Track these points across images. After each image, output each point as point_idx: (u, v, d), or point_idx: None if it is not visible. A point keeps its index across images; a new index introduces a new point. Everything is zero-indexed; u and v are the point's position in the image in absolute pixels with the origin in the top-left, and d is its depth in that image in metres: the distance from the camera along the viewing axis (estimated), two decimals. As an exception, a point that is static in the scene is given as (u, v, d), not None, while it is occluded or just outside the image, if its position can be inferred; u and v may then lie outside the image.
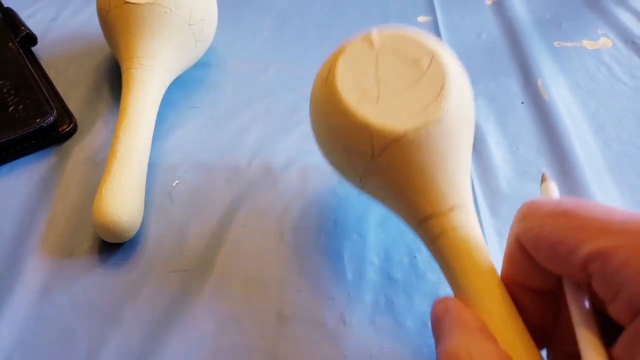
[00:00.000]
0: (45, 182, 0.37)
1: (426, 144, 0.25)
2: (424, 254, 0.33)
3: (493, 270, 0.24)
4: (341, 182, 0.37)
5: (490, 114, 0.42)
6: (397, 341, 0.29)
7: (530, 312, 0.23)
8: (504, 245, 0.24)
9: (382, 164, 0.26)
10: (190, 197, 0.36)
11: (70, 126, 0.40)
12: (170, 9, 0.39)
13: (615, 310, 0.18)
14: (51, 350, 0.29)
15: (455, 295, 0.25)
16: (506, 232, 0.25)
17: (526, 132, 0.40)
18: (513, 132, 0.40)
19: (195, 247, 0.33)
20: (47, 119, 0.38)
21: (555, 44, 0.48)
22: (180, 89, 0.43)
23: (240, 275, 0.32)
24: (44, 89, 0.40)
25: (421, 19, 0.52)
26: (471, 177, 0.36)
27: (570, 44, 0.48)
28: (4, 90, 0.40)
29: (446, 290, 0.27)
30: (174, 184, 0.37)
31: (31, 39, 0.46)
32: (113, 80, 0.44)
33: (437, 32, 0.50)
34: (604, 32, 0.49)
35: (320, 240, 0.34)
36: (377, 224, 0.34)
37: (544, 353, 0.23)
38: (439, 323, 0.23)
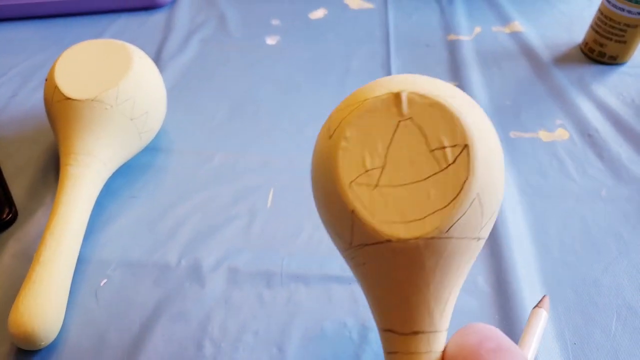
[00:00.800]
0: (-26, 276, 0.37)
1: (409, 259, 0.22)
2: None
3: None
4: (269, 286, 0.36)
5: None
6: None
7: None
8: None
9: (358, 258, 0.23)
10: (116, 299, 0.36)
11: (9, 216, 0.40)
12: (111, 105, 0.39)
13: None
14: None
15: None
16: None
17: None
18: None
19: (113, 356, 0.33)
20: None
21: (512, 134, 0.48)
22: (124, 176, 0.43)
23: (149, 392, 0.32)
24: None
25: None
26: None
27: (526, 135, 0.48)
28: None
29: None
30: (102, 283, 0.37)
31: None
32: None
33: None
34: (561, 122, 0.49)
35: (238, 353, 0.33)
36: (300, 338, 0.34)
37: None
38: None
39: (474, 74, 0.54)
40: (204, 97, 0.52)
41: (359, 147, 0.22)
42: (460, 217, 0.21)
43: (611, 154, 0.46)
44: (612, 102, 0.51)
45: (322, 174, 0.23)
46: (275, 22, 0.63)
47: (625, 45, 0.53)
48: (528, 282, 0.37)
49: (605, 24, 0.53)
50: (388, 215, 0.21)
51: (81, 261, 0.37)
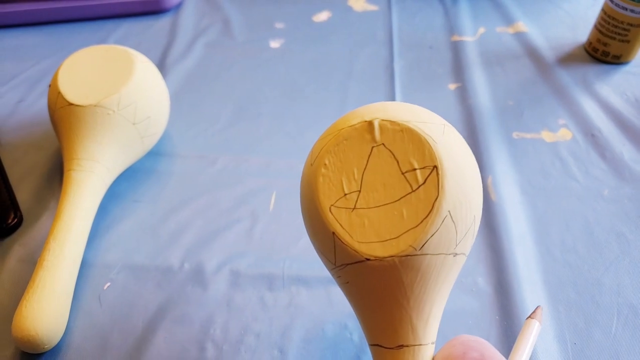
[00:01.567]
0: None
1: (387, 276, 0.23)
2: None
3: None
4: (270, 289, 0.37)
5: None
6: None
7: None
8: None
9: (342, 276, 0.24)
10: (119, 302, 0.36)
11: (15, 220, 0.41)
12: (113, 110, 0.39)
13: None
14: None
15: None
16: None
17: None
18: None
19: (116, 359, 0.34)
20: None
21: (514, 134, 0.48)
22: (128, 180, 0.44)
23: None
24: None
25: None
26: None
27: (528, 135, 0.48)
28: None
29: None
30: (105, 287, 0.37)
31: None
32: (65, 170, 0.45)
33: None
34: (564, 122, 0.49)
35: (240, 355, 0.34)
36: (301, 340, 0.34)
37: None
38: None
39: (478, 75, 0.54)
40: (208, 101, 0.52)
41: (337, 173, 0.24)
42: (433, 234, 0.22)
43: (614, 153, 0.46)
44: (616, 101, 0.51)
45: (306, 199, 0.25)
46: (279, 25, 0.63)
47: (629, 44, 0.53)
48: (529, 283, 0.37)
49: (609, 23, 0.52)
50: (366, 235, 0.23)
51: (85, 265, 0.38)
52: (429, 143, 0.23)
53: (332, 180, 0.24)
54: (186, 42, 0.60)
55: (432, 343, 0.25)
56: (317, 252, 0.26)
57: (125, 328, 0.35)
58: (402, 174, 0.23)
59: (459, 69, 0.55)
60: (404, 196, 0.23)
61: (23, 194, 0.43)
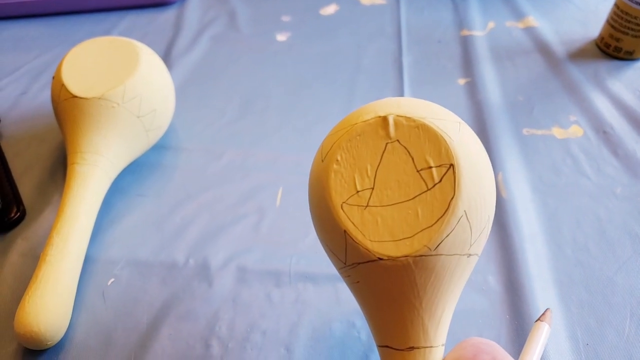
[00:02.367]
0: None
1: (400, 276, 0.22)
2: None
3: None
4: (277, 285, 0.36)
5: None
6: None
7: None
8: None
9: (353, 276, 0.24)
10: (123, 298, 0.36)
11: (17, 214, 0.40)
12: (118, 103, 0.39)
13: None
14: None
15: None
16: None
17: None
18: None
19: (120, 355, 0.33)
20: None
21: (524, 131, 0.47)
22: (133, 174, 0.43)
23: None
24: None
25: (390, 99, 0.51)
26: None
27: (539, 132, 0.47)
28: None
29: None
30: (109, 283, 0.36)
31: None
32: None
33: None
34: (576, 119, 0.48)
35: (246, 352, 0.33)
36: (308, 338, 0.34)
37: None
38: None
39: (487, 70, 0.54)
40: (214, 95, 0.51)
41: (349, 170, 0.23)
42: (449, 234, 0.22)
43: (626, 151, 0.45)
44: (628, 98, 0.50)
45: (316, 196, 0.24)
46: (285, 18, 0.62)
47: (641, 39, 0.52)
48: (540, 282, 0.36)
49: (622, 18, 0.52)
50: (378, 234, 0.22)
51: (88, 260, 0.37)
52: (445, 140, 0.23)
53: (344, 176, 0.23)
54: (192, 35, 0.59)
55: (442, 345, 0.25)
56: (326, 251, 0.25)
57: (129, 324, 0.34)
58: (418, 171, 0.23)
59: (468, 64, 0.55)
60: (419, 194, 0.22)
61: (26, 188, 0.42)
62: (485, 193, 0.23)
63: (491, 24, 0.60)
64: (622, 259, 0.37)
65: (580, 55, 0.55)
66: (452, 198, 0.22)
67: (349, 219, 0.23)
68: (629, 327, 0.34)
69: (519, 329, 0.34)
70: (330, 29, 0.60)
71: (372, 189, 0.23)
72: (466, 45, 0.57)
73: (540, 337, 0.29)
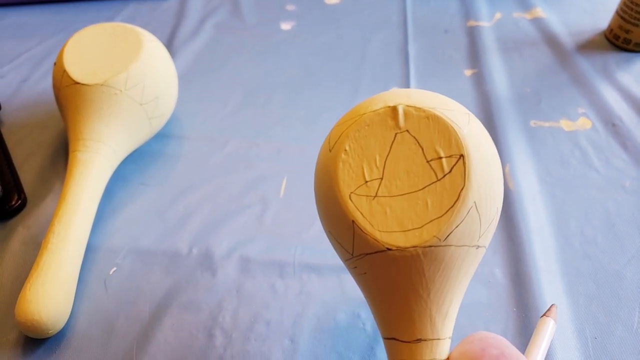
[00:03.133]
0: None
1: (409, 267, 0.22)
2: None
3: None
4: (281, 276, 0.36)
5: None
6: None
7: None
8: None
9: (360, 267, 0.23)
10: (125, 287, 0.35)
11: (19, 202, 0.39)
12: (120, 90, 0.38)
13: None
14: None
15: None
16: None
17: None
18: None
19: (122, 345, 0.33)
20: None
21: (532, 123, 0.47)
22: (135, 163, 0.43)
23: (158, 382, 0.31)
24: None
25: (396, 89, 0.51)
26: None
27: (546, 124, 0.46)
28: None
29: None
30: (111, 272, 0.36)
31: (-4, 105, 0.46)
32: (70, 152, 0.44)
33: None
34: (584, 111, 0.47)
35: (250, 343, 0.33)
36: (312, 329, 0.33)
37: None
38: None
39: (494, 61, 0.53)
40: (217, 84, 0.51)
41: (358, 160, 0.23)
42: (458, 225, 0.21)
43: (635, 143, 0.44)
44: (638, 90, 0.49)
45: (323, 186, 0.24)
46: (290, 7, 0.61)
47: (651, 31, 0.51)
48: (548, 274, 0.35)
49: (632, 9, 0.51)
50: (387, 224, 0.22)
51: (90, 249, 0.37)
52: (455, 131, 0.22)
53: (353, 166, 0.23)
54: (195, 24, 0.58)
55: (449, 338, 0.24)
56: (332, 242, 0.25)
57: (131, 314, 0.34)
58: (427, 162, 0.22)
59: (475, 55, 0.54)
60: (429, 185, 0.22)
61: (27, 175, 0.42)
62: (494, 184, 0.23)
63: (498, 15, 0.60)
64: (631, 252, 0.37)
65: (588, 47, 0.55)
66: (463, 189, 0.22)
67: (357, 209, 0.22)
68: (638, 320, 0.33)
69: (525, 322, 0.33)
70: (335, 18, 0.60)
71: (381, 179, 0.23)
72: (473, 36, 0.57)
73: (546, 333, 0.29)
